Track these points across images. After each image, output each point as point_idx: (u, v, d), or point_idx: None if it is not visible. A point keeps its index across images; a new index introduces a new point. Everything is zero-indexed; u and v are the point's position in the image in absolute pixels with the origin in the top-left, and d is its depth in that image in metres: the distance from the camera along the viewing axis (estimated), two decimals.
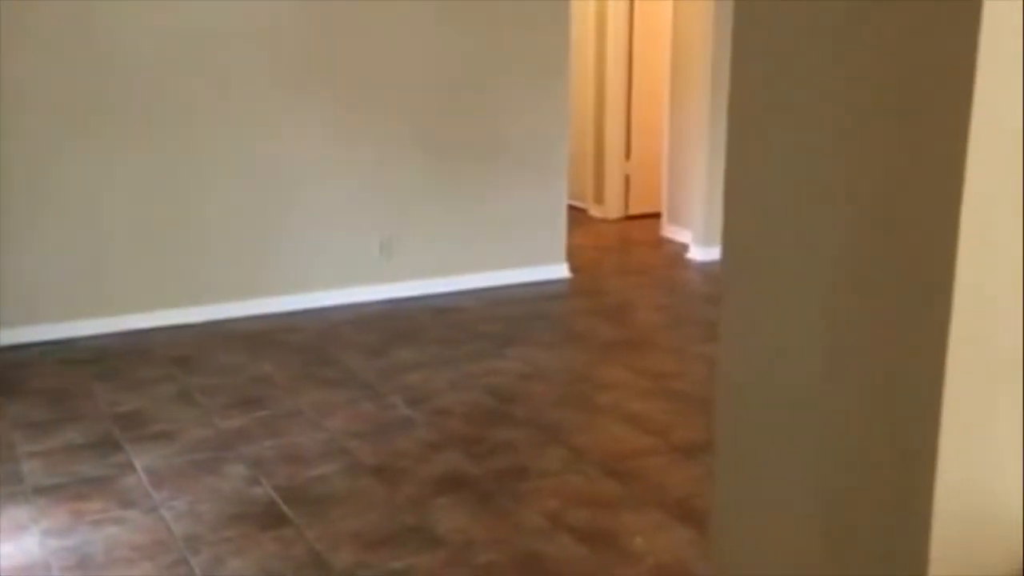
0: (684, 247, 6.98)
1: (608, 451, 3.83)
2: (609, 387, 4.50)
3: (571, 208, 6.69)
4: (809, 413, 1.32)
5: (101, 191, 5.07)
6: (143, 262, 5.22)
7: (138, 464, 3.68)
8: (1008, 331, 1.15)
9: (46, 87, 4.87)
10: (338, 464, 3.69)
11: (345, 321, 5.42)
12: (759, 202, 1.37)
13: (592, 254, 6.93)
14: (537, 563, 3.03)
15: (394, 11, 5.56)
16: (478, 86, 5.89)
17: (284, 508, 3.36)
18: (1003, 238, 1.12)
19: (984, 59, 1.06)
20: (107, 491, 3.47)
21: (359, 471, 3.65)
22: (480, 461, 3.72)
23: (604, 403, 4.31)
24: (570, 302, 5.97)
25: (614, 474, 3.62)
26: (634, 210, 8.01)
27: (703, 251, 6.67)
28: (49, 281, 5.03)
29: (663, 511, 3.33)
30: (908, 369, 1.18)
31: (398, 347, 5.01)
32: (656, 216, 7.58)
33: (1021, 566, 1.19)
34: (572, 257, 6.40)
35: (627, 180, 8.02)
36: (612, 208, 8.03)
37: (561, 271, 6.31)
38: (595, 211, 8.08)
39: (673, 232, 7.30)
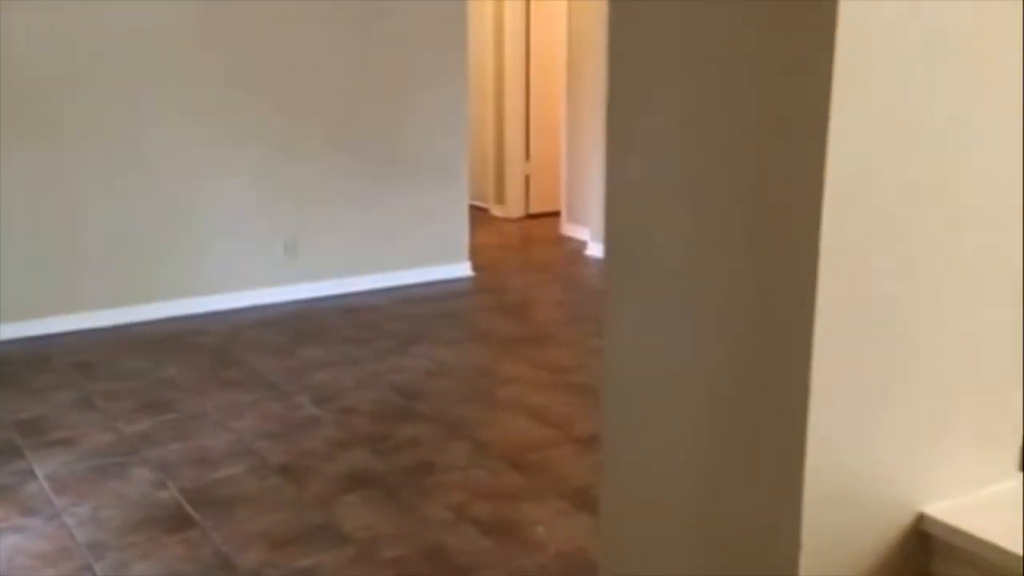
0: (583, 244, 7.16)
1: (511, 444, 3.94)
2: (511, 382, 4.61)
3: (473, 208, 6.80)
4: (686, 400, 1.42)
5: None
6: (39, 267, 5.14)
7: (39, 471, 3.65)
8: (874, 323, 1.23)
9: None
10: (245, 465, 3.72)
11: (251, 323, 5.43)
12: (637, 198, 1.45)
13: (494, 252, 7.06)
14: (443, 556, 3.12)
15: (293, 11, 5.57)
16: (378, 87, 5.95)
17: (190, 510, 3.38)
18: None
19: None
20: (7, 499, 3.44)
21: (266, 471, 3.68)
22: (386, 458, 3.80)
23: (507, 397, 4.42)
24: (473, 299, 6.08)
25: (517, 466, 3.73)
26: (534, 209, 8.18)
27: (601, 248, 6.82)
28: None
29: (564, 500, 3.46)
30: (779, 356, 1.25)
31: (304, 347, 5.04)
32: (556, 215, 7.76)
33: (889, 548, 1.30)
34: (475, 256, 6.51)
35: (527, 180, 8.18)
36: (513, 208, 8.17)
37: (464, 269, 6.41)
38: (497, 211, 8.21)
39: (572, 230, 7.47)
